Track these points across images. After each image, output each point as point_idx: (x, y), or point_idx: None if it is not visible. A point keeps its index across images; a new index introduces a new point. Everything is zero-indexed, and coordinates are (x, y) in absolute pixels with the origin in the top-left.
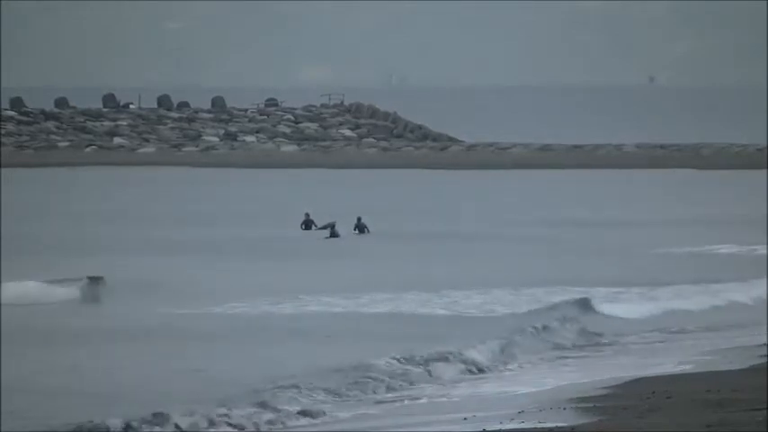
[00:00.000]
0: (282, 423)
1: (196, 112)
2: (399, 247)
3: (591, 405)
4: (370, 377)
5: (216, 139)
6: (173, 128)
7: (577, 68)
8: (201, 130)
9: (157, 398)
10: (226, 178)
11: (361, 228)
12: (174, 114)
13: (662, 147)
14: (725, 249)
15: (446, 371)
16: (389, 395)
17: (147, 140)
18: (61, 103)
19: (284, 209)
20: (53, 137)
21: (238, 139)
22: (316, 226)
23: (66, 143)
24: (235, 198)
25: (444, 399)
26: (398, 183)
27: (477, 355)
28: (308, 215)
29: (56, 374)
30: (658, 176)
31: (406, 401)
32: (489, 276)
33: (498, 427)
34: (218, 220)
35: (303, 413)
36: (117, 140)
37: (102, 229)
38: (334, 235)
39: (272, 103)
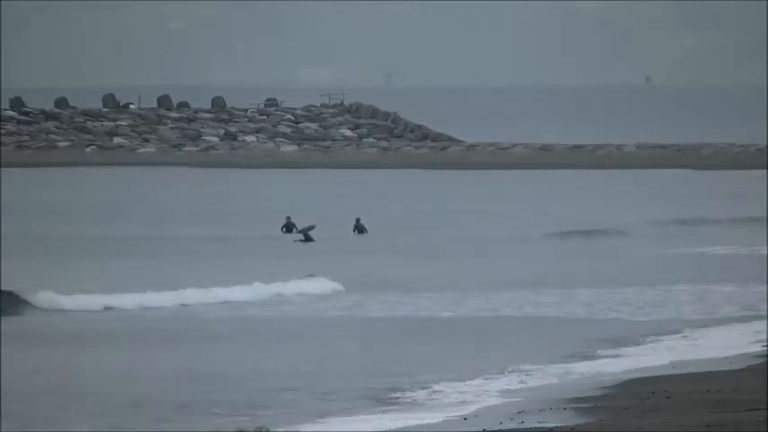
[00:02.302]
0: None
1: (196, 112)
2: (399, 247)
3: (591, 405)
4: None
5: (216, 139)
6: (173, 128)
7: (577, 68)
8: (201, 130)
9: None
10: (226, 178)
11: (360, 228)
12: (174, 114)
13: (662, 147)
14: (724, 250)
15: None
16: (390, 395)
17: (147, 140)
18: (61, 103)
19: (284, 209)
20: (53, 137)
21: (238, 139)
22: (296, 229)
23: (67, 143)
24: (234, 198)
25: (445, 399)
26: (398, 183)
27: None
28: (288, 218)
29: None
30: (658, 176)
31: (406, 402)
32: (492, 277)
33: (498, 427)
34: (218, 220)
35: (302, 414)
36: (117, 140)
37: (102, 228)
38: (308, 239)
39: (272, 103)
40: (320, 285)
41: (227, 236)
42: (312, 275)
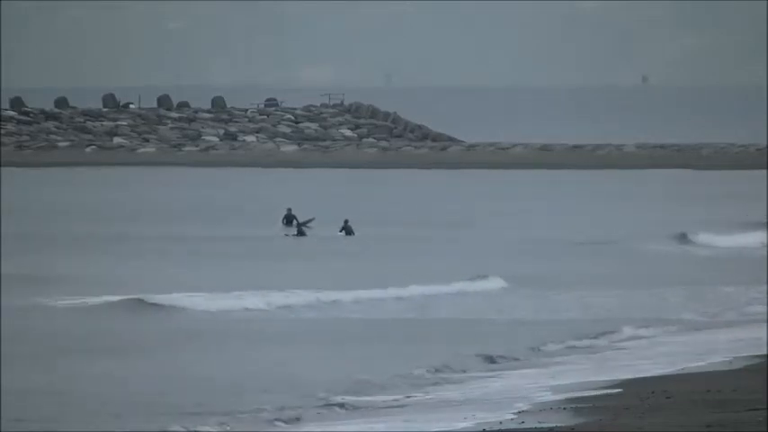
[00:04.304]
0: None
1: (196, 112)
2: (400, 247)
3: (591, 405)
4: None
5: (216, 139)
6: (173, 128)
7: (577, 68)
8: (201, 130)
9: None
10: (226, 178)
11: (348, 230)
12: (174, 114)
13: (662, 147)
14: (724, 250)
15: None
16: (389, 396)
17: (147, 140)
18: (61, 103)
19: (284, 208)
20: (53, 137)
21: (238, 139)
22: (297, 221)
23: (67, 143)
24: (234, 198)
25: (444, 399)
26: (398, 183)
27: None
28: (289, 210)
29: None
30: (658, 176)
31: (405, 401)
32: (497, 274)
33: (498, 427)
34: (218, 220)
35: (301, 415)
36: (117, 140)
37: (102, 228)
38: (300, 233)
39: (272, 103)
40: (493, 284)
41: (230, 236)
42: (485, 275)
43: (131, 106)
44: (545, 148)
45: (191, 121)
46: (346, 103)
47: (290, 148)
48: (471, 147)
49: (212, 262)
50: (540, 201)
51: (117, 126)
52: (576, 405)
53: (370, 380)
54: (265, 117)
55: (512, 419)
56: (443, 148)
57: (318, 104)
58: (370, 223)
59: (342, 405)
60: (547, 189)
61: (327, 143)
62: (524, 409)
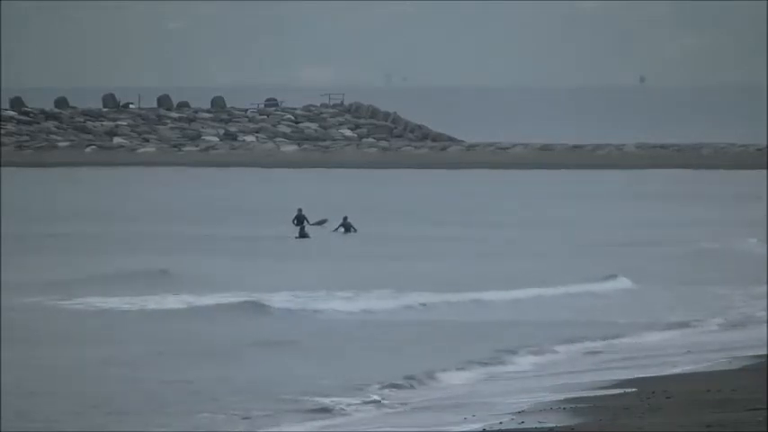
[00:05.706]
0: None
1: (196, 112)
2: (401, 248)
3: (591, 405)
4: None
5: (216, 139)
6: (173, 128)
7: (577, 68)
8: (201, 130)
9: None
10: (226, 178)
11: (346, 227)
12: (174, 114)
13: (662, 147)
14: (723, 250)
15: None
16: (389, 397)
17: (147, 140)
18: (61, 103)
19: (284, 208)
20: (53, 137)
21: (238, 139)
22: (308, 221)
23: (67, 143)
24: (234, 197)
25: (444, 399)
26: (398, 183)
27: None
28: (300, 210)
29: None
30: (658, 176)
31: (405, 401)
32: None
33: (498, 427)
34: (218, 219)
35: (303, 415)
36: (117, 140)
37: (102, 228)
38: (303, 235)
39: (272, 103)
40: (622, 285)
41: (228, 235)
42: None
43: (131, 106)
44: (545, 148)
45: (191, 121)
46: (346, 103)
47: (290, 148)
48: (471, 147)
49: (221, 261)
50: (572, 200)
51: (117, 126)
52: (577, 405)
53: (370, 381)
54: (265, 117)
55: (512, 419)
56: (443, 148)
57: (318, 104)
58: (370, 223)
59: (332, 409)
60: (581, 189)
61: (327, 143)
62: (524, 409)
